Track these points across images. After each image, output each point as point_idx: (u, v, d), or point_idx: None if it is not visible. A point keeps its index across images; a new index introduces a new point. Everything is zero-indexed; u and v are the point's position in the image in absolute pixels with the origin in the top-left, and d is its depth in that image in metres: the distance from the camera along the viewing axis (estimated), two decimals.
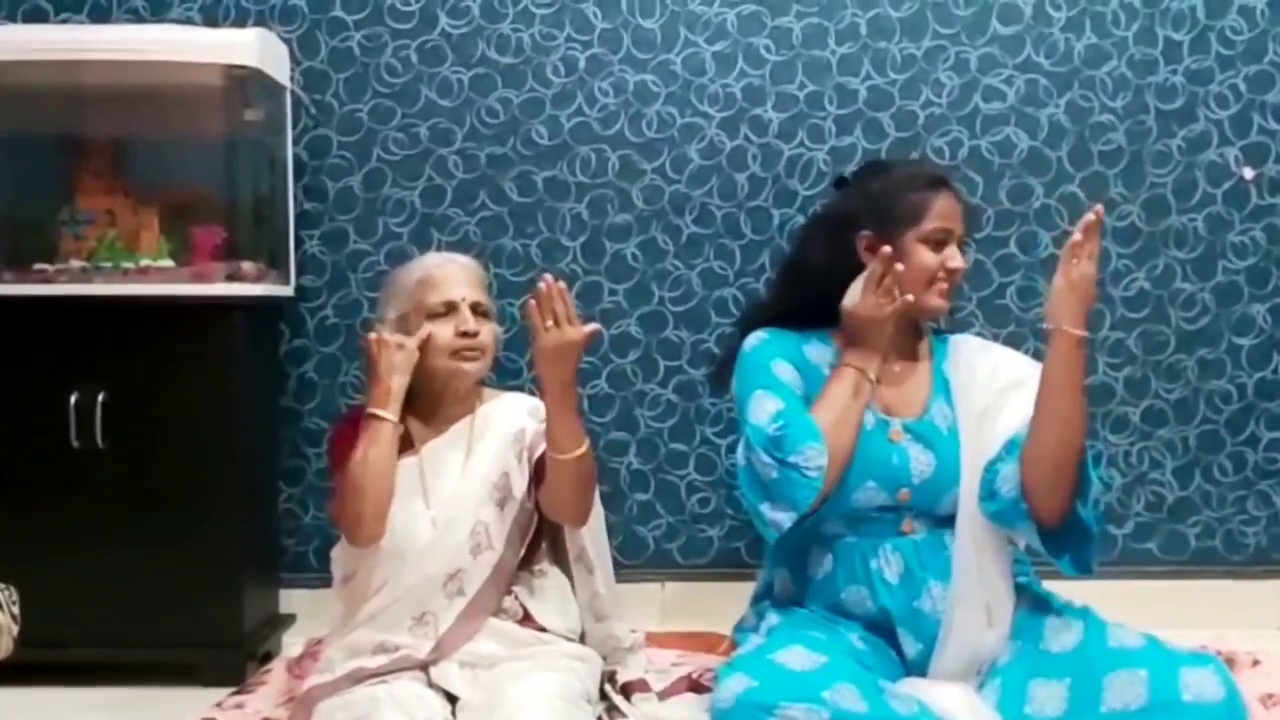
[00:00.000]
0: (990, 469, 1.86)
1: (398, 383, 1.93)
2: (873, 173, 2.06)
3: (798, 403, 1.90)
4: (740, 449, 1.90)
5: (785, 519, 1.82)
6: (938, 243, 1.94)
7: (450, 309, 1.99)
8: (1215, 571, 2.66)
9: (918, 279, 1.93)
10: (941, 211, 1.94)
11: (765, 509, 1.83)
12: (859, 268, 1.93)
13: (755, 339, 2.02)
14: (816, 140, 2.63)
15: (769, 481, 1.83)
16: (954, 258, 1.95)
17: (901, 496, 1.90)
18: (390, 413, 1.92)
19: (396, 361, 1.94)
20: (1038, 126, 2.63)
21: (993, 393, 1.93)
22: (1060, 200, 2.63)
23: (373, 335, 1.97)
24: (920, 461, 1.91)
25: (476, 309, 2.01)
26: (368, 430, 1.91)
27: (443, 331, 1.97)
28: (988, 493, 1.85)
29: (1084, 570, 1.83)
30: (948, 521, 1.90)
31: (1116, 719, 1.64)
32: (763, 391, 1.92)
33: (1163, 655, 1.69)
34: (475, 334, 1.98)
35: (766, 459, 1.83)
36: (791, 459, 1.81)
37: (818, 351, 2.00)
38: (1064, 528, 1.81)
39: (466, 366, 1.99)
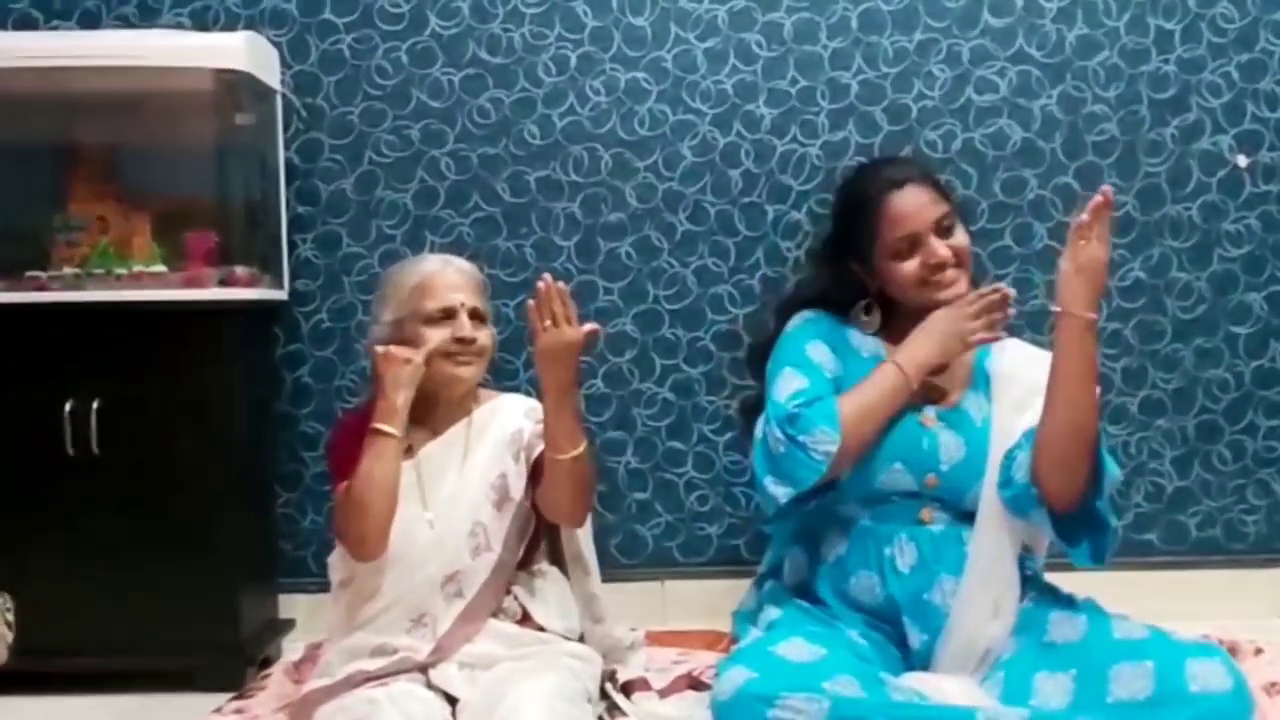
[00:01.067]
0: (1009, 456, 1.86)
1: (403, 398, 1.91)
2: (836, 194, 2.09)
3: (824, 385, 1.91)
4: (760, 423, 1.91)
5: (783, 493, 1.84)
6: (910, 246, 1.92)
7: (448, 315, 1.97)
8: (1216, 561, 2.66)
9: (908, 288, 1.94)
10: (896, 217, 1.91)
11: (768, 481, 1.86)
12: (863, 288, 2.00)
13: (799, 318, 2.04)
14: (809, 135, 2.62)
15: (777, 455, 1.85)
16: (933, 252, 1.91)
17: (929, 482, 1.89)
18: (395, 428, 1.89)
19: (403, 376, 1.91)
20: (1031, 118, 2.63)
21: (1025, 390, 1.91)
22: (1054, 192, 2.62)
23: (380, 349, 1.93)
24: (950, 447, 1.90)
25: (474, 314, 2.00)
26: (372, 446, 1.89)
27: (437, 335, 1.96)
28: (1005, 479, 1.85)
29: (1098, 561, 1.82)
30: (967, 517, 1.89)
31: (1122, 710, 1.63)
32: (791, 369, 1.93)
33: (1168, 646, 1.68)
34: (472, 340, 1.97)
35: (779, 433, 1.84)
36: (801, 438, 1.82)
37: (859, 337, 2.00)
38: (1077, 516, 1.80)
39: (461, 371, 1.97)
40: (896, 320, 1.99)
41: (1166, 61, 2.63)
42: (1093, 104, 2.63)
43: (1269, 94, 2.63)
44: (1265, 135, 2.63)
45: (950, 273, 1.92)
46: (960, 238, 1.95)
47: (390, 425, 1.89)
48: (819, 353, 1.95)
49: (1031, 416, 1.85)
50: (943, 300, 1.92)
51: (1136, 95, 2.63)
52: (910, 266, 1.92)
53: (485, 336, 2.01)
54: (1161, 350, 2.66)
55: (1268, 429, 2.66)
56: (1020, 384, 1.93)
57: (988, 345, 2.01)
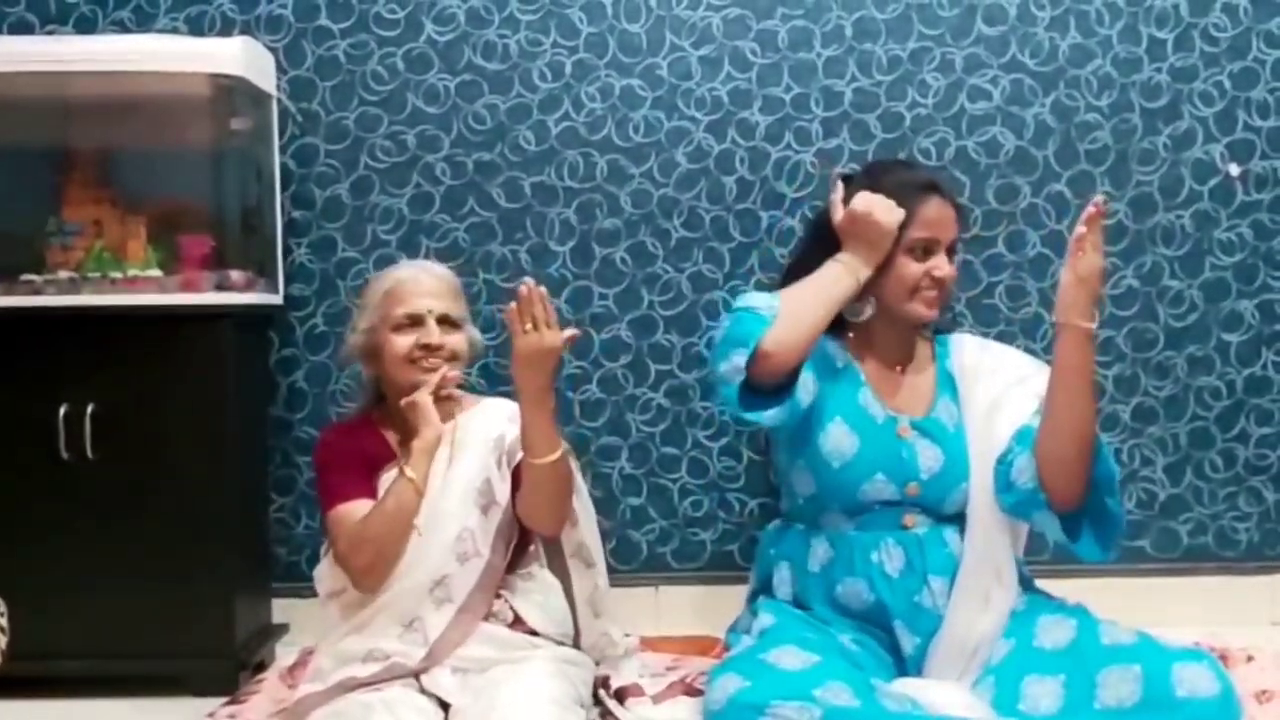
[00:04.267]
0: (1003, 462, 1.88)
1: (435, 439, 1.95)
2: (864, 179, 2.04)
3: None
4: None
5: (739, 362, 1.83)
6: (923, 251, 1.94)
7: (415, 321, 1.98)
8: (1207, 568, 2.67)
9: (901, 288, 1.95)
10: (927, 219, 1.94)
11: (723, 368, 1.86)
12: None
13: None
14: (803, 143, 2.63)
15: (728, 338, 1.87)
16: (940, 266, 1.94)
17: (910, 490, 1.92)
18: (421, 477, 1.92)
19: (431, 416, 1.94)
20: (1024, 126, 2.64)
21: (996, 389, 1.95)
22: (1047, 199, 2.63)
23: (404, 401, 1.96)
24: (928, 457, 1.93)
25: (445, 320, 1.99)
26: (399, 490, 1.90)
27: (403, 342, 1.97)
28: (1004, 485, 1.87)
29: (1105, 552, 1.86)
30: (949, 519, 1.92)
31: (1111, 715, 1.65)
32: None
33: (1156, 651, 1.69)
34: (439, 347, 1.97)
35: (725, 323, 1.92)
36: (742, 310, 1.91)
37: (832, 348, 2.01)
38: (1081, 513, 1.84)
39: (428, 379, 1.97)
40: (865, 319, 2.01)
41: (1159, 70, 2.64)
42: (1085, 112, 2.64)
43: (1261, 103, 2.64)
44: (1257, 144, 2.64)
45: (934, 294, 1.96)
46: (954, 269, 1.99)
47: (417, 474, 1.92)
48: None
49: (1010, 419, 1.89)
50: (913, 313, 1.96)
51: (1129, 104, 2.64)
52: (916, 269, 1.94)
53: (458, 342, 2.00)
54: (1154, 358, 2.66)
55: (1259, 436, 2.67)
56: (987, 382, 1.96)
57: (946, 348, 2.06)
